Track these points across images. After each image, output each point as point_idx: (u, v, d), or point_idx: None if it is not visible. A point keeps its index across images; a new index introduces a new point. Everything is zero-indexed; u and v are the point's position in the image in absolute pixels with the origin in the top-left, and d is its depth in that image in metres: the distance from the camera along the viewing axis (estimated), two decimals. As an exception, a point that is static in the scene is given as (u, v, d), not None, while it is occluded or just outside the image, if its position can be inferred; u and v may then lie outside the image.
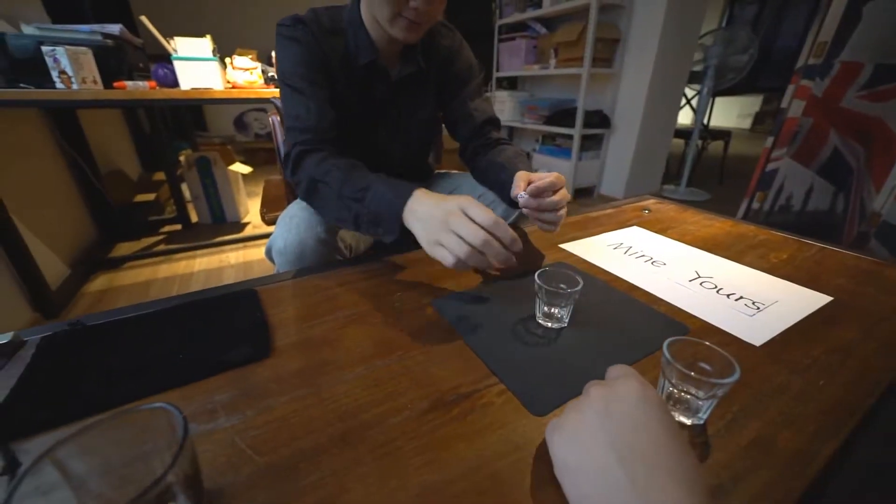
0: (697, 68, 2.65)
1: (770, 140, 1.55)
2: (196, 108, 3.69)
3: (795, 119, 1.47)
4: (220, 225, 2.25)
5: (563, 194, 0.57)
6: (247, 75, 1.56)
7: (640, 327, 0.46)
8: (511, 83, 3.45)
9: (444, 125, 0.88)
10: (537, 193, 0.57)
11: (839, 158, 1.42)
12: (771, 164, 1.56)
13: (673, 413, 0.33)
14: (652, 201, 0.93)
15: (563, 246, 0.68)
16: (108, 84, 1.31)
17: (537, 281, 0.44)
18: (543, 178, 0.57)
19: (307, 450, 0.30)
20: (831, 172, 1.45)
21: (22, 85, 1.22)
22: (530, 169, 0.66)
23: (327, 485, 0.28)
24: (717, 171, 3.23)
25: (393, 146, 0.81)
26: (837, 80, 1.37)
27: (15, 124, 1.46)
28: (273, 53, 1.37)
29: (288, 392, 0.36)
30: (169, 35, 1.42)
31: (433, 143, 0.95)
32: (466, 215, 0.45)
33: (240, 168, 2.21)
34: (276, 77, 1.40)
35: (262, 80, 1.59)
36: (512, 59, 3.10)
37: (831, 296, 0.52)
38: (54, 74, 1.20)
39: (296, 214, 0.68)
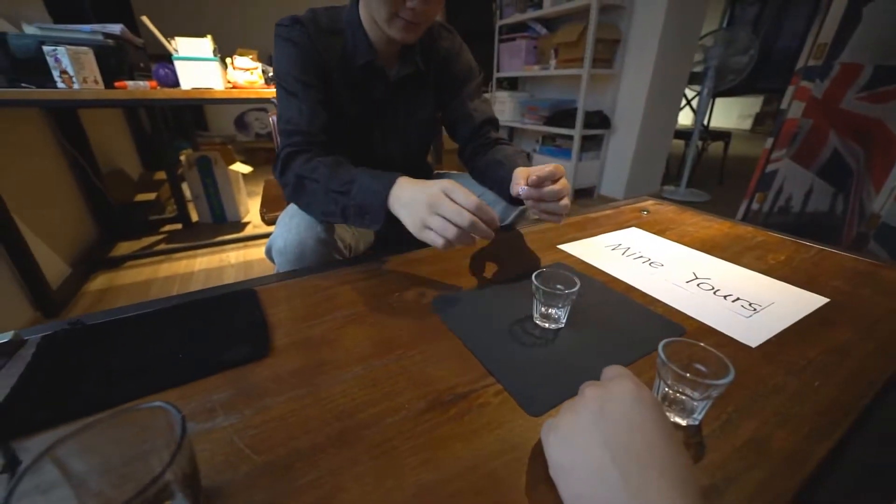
0: (698, 69, 2.65)
1: (770, 141, 1.55)
2: (197, 108, 3.70)
3: (795, 120, 1.48)
4: (221, 224, 2.25)
5: (564, 183, 0.57)
6: (247, 75, 1.56)
7: (637, 328, 0.46)
8: (511, 84, 3.45)
9: (443, 127, 0.88)
10: (538, 183, 0.56)
11: (839, 160, 1.42)
12: (770, 166, 1.56)
13: (668, 414, 0.33)
14: (651, 202, 0.94)
15: (561, 247, 0.68)
16: (109, 84, 1.31)
17: (535, 282, 0.44)
18: (543, 168, 0.56)
19: (304, 449, 0.31)
20: (831, 174, 1.45)
21: (23, 84, 1.23)
22: (529, 166, 0.66)
23: (324, 484, 0.28)
24: (717, 171, 3.24)
25: (392, 146, 0.81)
26: (837, 82, 1.37)
27: (16, 124, 1.46)
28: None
29: (286, 391, 0.36)
30: (170, 35, 1.42)
31: (433, 143, 0.96)
32: (450, 199, 0.48)
33: (240, 168, 2.21)
34: (276, 77, 1.40)
35: (262, 81, 1.59)
36: (512, 59, 3.10)
37: (828, 297, 0.52)
38: (55, 74, 1.20)
39: (296, 214, 0.68)
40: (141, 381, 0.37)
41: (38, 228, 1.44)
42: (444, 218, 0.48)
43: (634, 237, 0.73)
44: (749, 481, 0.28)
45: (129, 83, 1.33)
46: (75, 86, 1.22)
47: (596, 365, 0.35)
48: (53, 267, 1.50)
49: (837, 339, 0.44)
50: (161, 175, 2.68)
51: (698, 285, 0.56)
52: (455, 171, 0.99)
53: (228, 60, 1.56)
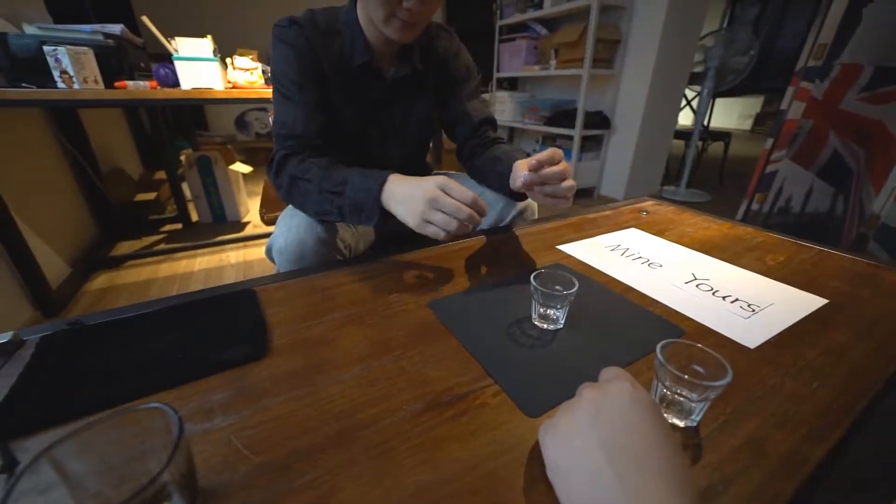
0: (698, 69, 2.65)
1: (769, 142, 1.55)
2: (197, 108, 3.70)
3: (795, 121, 1.48)
4: (221, 224, 2.25)
5: (565, 165, 0.56)
6: (247, 75, 1.56)
7: (636, 329, 0.46)
8: (511, 84, 3.45)
9: (442, 127, 0.88)
10: (538, 167, 0.55)
11: (839, 160, 1.42)
12: (770, 166, 1.56)
13: (666, 415, 0.33)
14: (650, 203, 0.94)
15: (560, 247, 0.68)
16: (109, 84, 1.31)
17: (533, 283, 0.44)
18: (541, 154, 0.56)
19: (302, 449, 0.31)
20: (831, 174, 1.45)
21: (24, 84, 1.23)
22: None
23: (322, 484, 0.28)
24: (717, 172, 3.23)
25: (390, 146, 0.81)
26: (837, 82, 1.37)
27: (16, 123, 1.46)
28: (273, 54, 1.38)
29: (284, 392, 0.36)
30: (170, 35, 1.42)
31: (431, 143, 0.96)
32: (448, 194, 0.52)
33: (240, 167, 2.21)
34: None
35: (262, 81, 1.59)
36: (512, 59, 3.10)
37: (827, 298, 0.52)
38: (56, 74, 1.20)
39: (296, 214, 0.68)
40: (140, 381, 0.37)
41: (38, 228, 1.44)
42: (445, 213, 0.52)
43: (633, 238, 0.73)
44: (747, 483, 0.28)
45: (130, 83, 1.33)
46: (75, 86, 1.22)
47: (594, 366, 0.35)
48: (53, 266, 1.50)
49: (836, 341, 0.44)
50: (161, 175, 2.68)
51: (697, 286, 0.56)
52: (454, 172, 0.99)
53: (228, 60, 1.56)
